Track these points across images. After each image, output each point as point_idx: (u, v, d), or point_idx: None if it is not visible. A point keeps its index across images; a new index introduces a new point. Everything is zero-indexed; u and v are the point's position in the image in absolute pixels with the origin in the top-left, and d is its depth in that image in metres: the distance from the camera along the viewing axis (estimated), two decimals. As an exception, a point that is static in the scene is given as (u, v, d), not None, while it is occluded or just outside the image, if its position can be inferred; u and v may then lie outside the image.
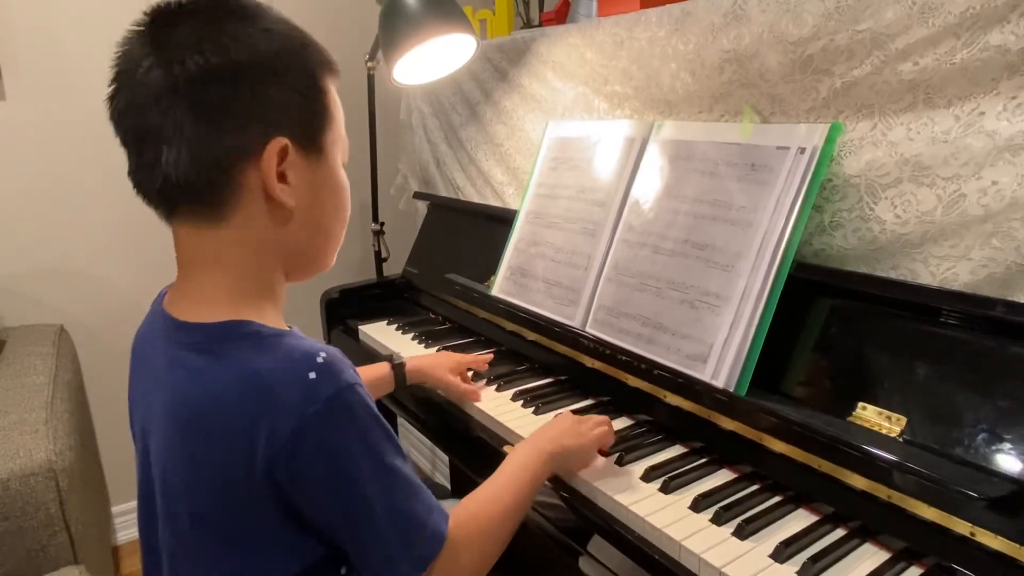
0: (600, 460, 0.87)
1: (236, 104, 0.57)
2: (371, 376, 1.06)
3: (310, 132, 0.62)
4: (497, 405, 1.04)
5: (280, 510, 0.57)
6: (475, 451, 1.02)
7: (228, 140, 0.57)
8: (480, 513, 0.70)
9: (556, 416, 0.90)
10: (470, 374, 1.12)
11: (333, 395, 0.56)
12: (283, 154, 0.59)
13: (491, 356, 1.16)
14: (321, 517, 0.58)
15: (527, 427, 0.97)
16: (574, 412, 1.00)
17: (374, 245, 1.73)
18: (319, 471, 0.56)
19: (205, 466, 0.57)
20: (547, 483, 0.84)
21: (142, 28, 0.58)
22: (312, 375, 0.56)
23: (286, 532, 0.58)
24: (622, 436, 0.94)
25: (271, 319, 0.63)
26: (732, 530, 0.73)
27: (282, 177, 0.60)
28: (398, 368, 1.08)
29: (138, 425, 0.67)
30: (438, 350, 1.26)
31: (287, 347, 0.58)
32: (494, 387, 1.10)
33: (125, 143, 0.59)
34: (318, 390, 0.55)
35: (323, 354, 0.57)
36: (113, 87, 0.58)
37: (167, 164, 0.57)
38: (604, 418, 0.90)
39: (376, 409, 0.60)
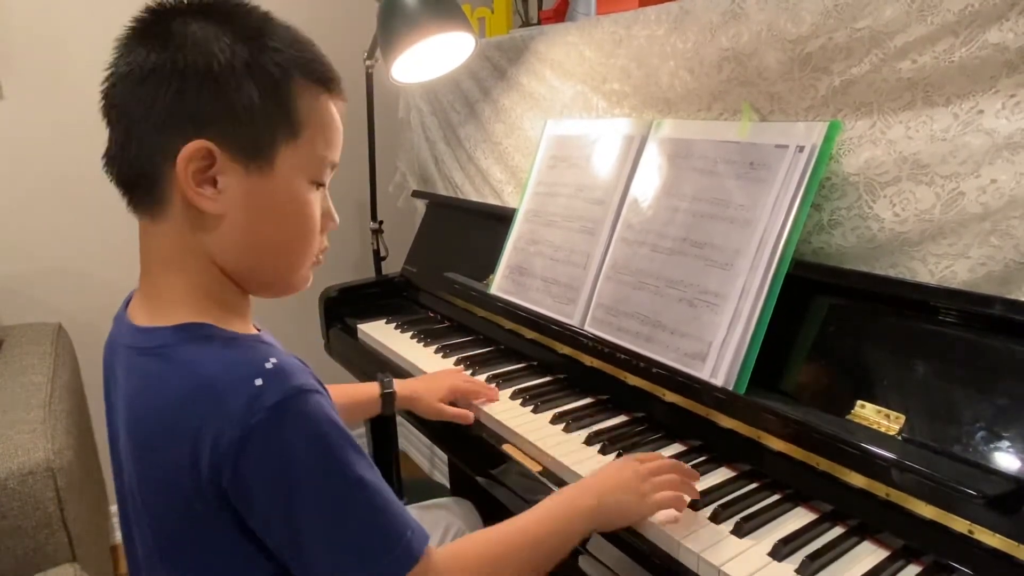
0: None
1: (164, 98, 0.56)
2: (357, 395, 1.04)
3: (254, 141, 0.58)
4: (496, 403, 1.04)
5: (231, 523, 0.55)
6: (474, 450, 1.02)
7: (153, 136, 0.57)
8: (482, 550, 0.65)
9: (618, 461, 0.81)
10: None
11: (280, 402, 0.53)
12: (208, 158, 0.57)
13: (496, 393, 1.06)
14: (266, 532, 0.55)
15: (526, 425, 0.97)
16: (574, 411, 1.00)
17: (372, 243, 1.73)
18: (263, 482, 0.53)
19: (156, 476, 0.56)
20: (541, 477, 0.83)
21: (142, 18, 0.59)
22: (258, 381, 0.53)
23: (243, 544, 0.56)
24: (619, 434, 0.94)
25: (235, 326, 0.61)
26: (731, 528, 0.73)
27: (211, 182, 0.58)
28: (387, 396, 1.04)
29: (112, 436, 0.66)
30: (436, 350, 1.26)
31: (237, 352, 0.57)
32: (493, 385, 1.10)
33: (107, 122, 0.60)
34: (263, 397, 0.53)
35: (273, 360, 0.55)
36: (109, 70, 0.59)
37: (116, 155, 0.59)
38: (672, 477, 0.76)
39: (336, 417, 0.57)
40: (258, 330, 0.67)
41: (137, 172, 0.58)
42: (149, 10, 0.59)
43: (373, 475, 0.57)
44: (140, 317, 0.61)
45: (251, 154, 0.58)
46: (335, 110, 0.63)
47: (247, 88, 0.57)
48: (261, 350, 0.57)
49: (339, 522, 0.54)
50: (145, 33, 0.58)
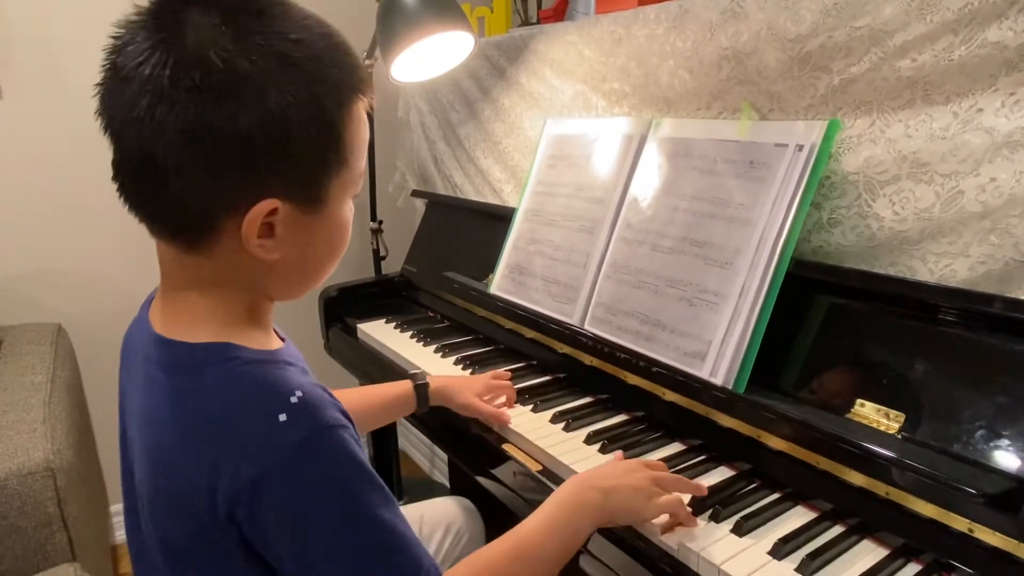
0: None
1: (223, 154, 0.50)
2: (390, 394, 1.01)
3: (314, 188, 0.56)
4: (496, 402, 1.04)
5: (242, 550, 0.54)
6: (474, 449, 1.02)
7: (216, 188, 0.52)
8: (495, 564, 0.64)
9: (628, 461, 0.79)
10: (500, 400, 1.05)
11: (304, 440, 0.51)
12: (272, 213, 0.54)
13: (514, 394, 1.05)
14: (279, 564, 0.54)
15: (525, 424, 0.97)
16: (573, 410, 1.00)
17: (372, 243, 1.73)
18: (281, 520, 0.52)
19: (169, 496, 0.55)
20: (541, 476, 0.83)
21: (144, 19, 0.51)
22: (283, 417, 0.51)
23: (253, 570, 0.55)
24: (619, 433, 0.94)
25: (258, 340, 0.59)
26: (731, 527, 0.73)
27: (268, 229, 0.55)
28: (421, 388, 1.01)
29: (123, 430, 0.66)
30: (436, 349, 1.26)
31: (261, 380, 0.55)
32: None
33: (109, 132, 0.53)
34: (288, 434, 0.51)
35: (299, 392, 0.53)
36: (106, 81, 0.52)
37: (142, 194, 0.54)
38: (676, 498, 0.74)
39: (360, 454, 0.55)
40: (282, 339, 0.65)
41: (180, 217, 0.54)
42: (160, 7, 0.51)
43: (390, 511, 0.55)
44: (161, 326, 0.59)
45: (310, 199, 0.56)
46: (364, 112, 0.59)
47: (306, 131, 0.53)
48: (287, 379, 0.55)
49: (353, 562, 0.53)
50: (173, 39, 0.49)
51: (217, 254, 0.56)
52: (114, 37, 0.52)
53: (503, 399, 1.03)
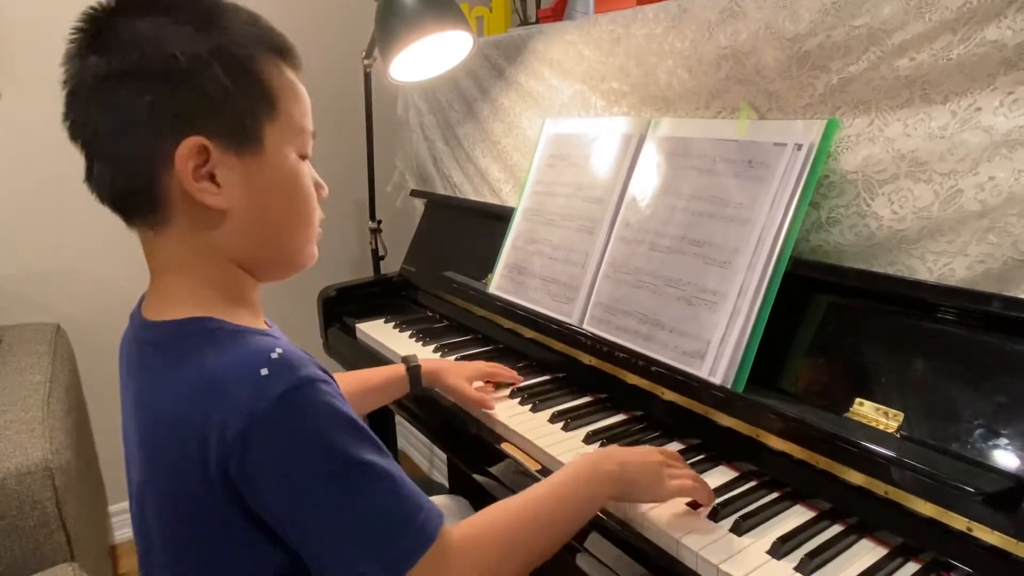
0: None
1: (140, 107, 0.55)
2: (384, 376, 1.04)
3: (241, 126, 0.58)
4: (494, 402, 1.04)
5: (241, 514, 0.55)
6: (473, 448, 1.02)
7: (139, 146, 0.56)
8: (496, 523, 0.63)
9: (645, 446, 0.82)
10: (496, 389, 1.07)
11: (285, 392, 0.53)
12: (204, 156, 0.56)
13: (517, 376, 1.09)
14: (276, 521, 0.55)
15: (524, 424, 0.97)
16: (572, 410, 1.00)
17: (371, 243, 1.73)
18: (271, 472, 0.53)
19: (164, 468, 0.56)
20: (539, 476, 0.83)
21: (83, 24, 0.57)
22: (264, 371, 0.53)
23: (251, 537, 0.56)
24: (618, 433, 0.94)
25: (244, 319, 0.61)
26: (730, 526, 0.73)
27: (210, 178, 0.57)
28: (413, 370, 1.04)
29: (126, 428, 0.66)
30: (435, 349, 1.26)
31: (243, 343, 0.56)
32: (492, 384, 1.10)
33: (80, 144, 0.59)
34: (269, 387, 0.52)
35: (279, 350, 0.55)
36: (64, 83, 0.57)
37: (98, 175, 0.58)
38: (694, 473, 0.77)
39: (343, 406, 0.56)
40: (268, 326, 0.67)
41: (130, 187, 0.58)
42: (90, 17, 0.57)
43: (381, 458, 0.56)
44: (150, 311, 0.62)
45: (241, 140, 0.58)
46: (295, 77, 0.63)
47: (219, 76, 0.56)
48: (266, 341, 0.56)
49: (348, 509, 0.53)
50: (95, 41, 0.56)
51: (172, 224, 0.59)
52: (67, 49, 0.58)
53: (503, 392, 1.05)
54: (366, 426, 0.57)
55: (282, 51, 0.61)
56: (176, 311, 0.59)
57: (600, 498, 0.72)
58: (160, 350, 0.59)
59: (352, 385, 0.99)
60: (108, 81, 0.55)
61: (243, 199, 0.59)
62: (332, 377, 0.58)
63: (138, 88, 0.54)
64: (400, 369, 1.04)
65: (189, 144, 0.55)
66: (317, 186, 0.66)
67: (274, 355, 0.54)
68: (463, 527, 0.61)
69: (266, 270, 0.65)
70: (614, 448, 0.77)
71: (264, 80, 0.59)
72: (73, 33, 0.57)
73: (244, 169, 0.58)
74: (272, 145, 0.60)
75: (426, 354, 1.25)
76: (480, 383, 1.06)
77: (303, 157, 0.64)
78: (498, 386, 1.08)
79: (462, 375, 1.04)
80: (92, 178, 0.59)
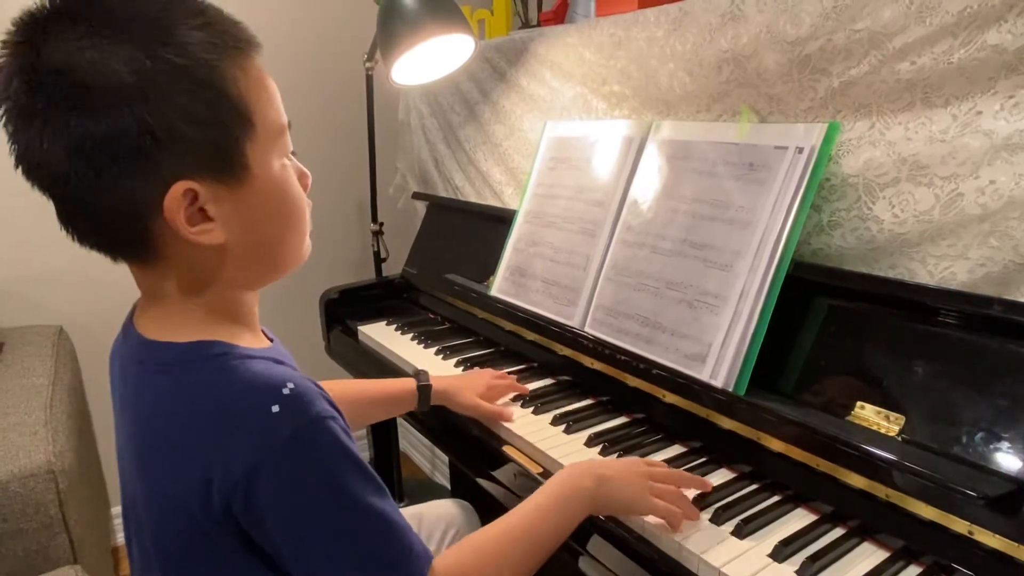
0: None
1: (105, 153, 0.50)
2: (394, 390, 1.01)
3: (223, 156, 0.54)
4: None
5: (239, 540, 0.55)
6: (474, 451, 1.02)
7: (112, 197, 0.52)
8: (483, 553, 0.65)
9: (630, 457, 0.81)
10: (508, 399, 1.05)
11: (296, 431, 0.52)
12: (191, 197, 0.53)
13: (525, 388, 1.07)
14: (277, 553, 0.55)
15: (526, 427, 0.97)
16: (574, 413, 1.00)
17: (373, 245, 1.73)
18: (276, 508, 0.52)
19: (163, 492, 0.55)
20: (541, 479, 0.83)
21: (8, 47, 0.51)
22: (275, 408, 0.52)
23: (247, 561, 0.56)
24: (619, 436, 0.94)
25: (244, 339, 0.60)
26: (731, 529, 0.73)
27: (202, 215, 0.54)
28: (424, 389, 1.01)
29: (118, 444, 0.66)
30: (437, 351, 1.26)
31: (252, 374, 0.55)
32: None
33: (40, 189, 0.54)
34: (281, 424, 0.52)
35: (290, 384, 0.53)
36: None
37: (74, 222, 0.54)
38: (677, 490, 0.75)
39: (350, 444, 0.56)
40: (270, 339, 0.66)
41: (116, 235, 0.55)
42: (19, 43, 0.50)
43: (381, 499, 0.56)
44: (149, 329, 0.60)
45: (225, 169, 0.55)
46: (259, 65, 0.57)
47: (188, 106, 0.51)
48: (277, 372, 0.55)
49: (348, 549, 0.54)
50: (32, 67, 0.49)
51: (170, 262, 0.57)
52: None
53: (508, 397, 1.04)
54: (368, 465, 0.57)
55: (242, 47, 0.55)
56: (179, 334, 0.58)
57: (576, 517, 0.72)
58: (165, 374, 0.57)
59: (353, 395, 0.97)
60: (48, 124, 0.49)
61: (238, 226, 0.57)
62: (340, 411, 0.57)
63: (90, 130, 0.49)
64: (410, 385, 1.01)
65: (176, 191, 0.52)
66: (302, 176, 0.63)
67: (286, 390, 0.53)
68: (448, 560, 0.61)
69: (265, 280, 0.63)
70: (596, 462, 0.77)
71: (233, 95, 0.54)
72: (6, 43, 0.51)
73: (233, 197, 0.56)
74: (256, 163, 0.56)
75: (427, 356, 1.25)
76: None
77: (286, 157, 0.61)
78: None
79: (475, 391, 1.01)
80: (66, 222, 0.55)
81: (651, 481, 0.75)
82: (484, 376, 1.06)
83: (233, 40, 0.55)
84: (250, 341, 0.61)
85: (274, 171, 0.58)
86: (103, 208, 0.53)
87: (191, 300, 0.59)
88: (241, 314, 0.62)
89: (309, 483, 0.53)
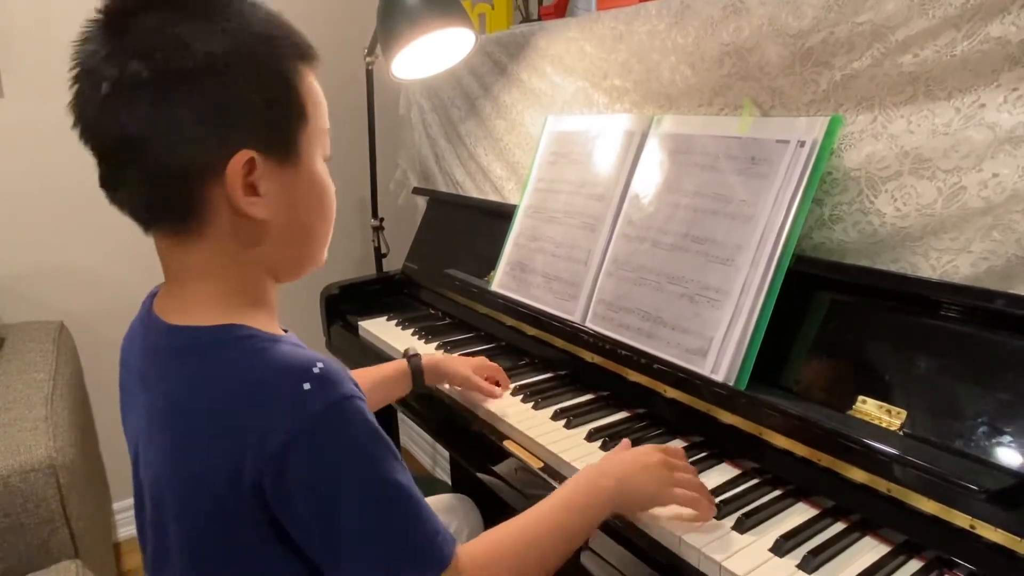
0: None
1: (187, 116, 0.53)
2: (386, 373, 1.03)
3: (281, 137, 0.58)
4: (497, 400, 1.04)
5: (265, 521, 0.55)
6: (475, 446, 1.02)
7: (184, 157, 0.54)
8: (502, 547, 0.64)
9: (645, 446, 0.79)
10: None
11: (328, 407, 0.53)
12: (250, 167, 0.56)
13: (509, 384, 1.07)
14: (302, 533, 0.55)
15: (527, 421, 0.97)
16: (575, 408, 1.00)
17: (373, 241, 1.73)
18: (308, 485, 0.53)
19: (193, 474, 0.55)
20: (542, 473, 0.83)
21: (100, 21, 0.55)
22: (307, 386, 0.53)
23: (271, 543, 0.56)
24: (620, 431, 0.94)
25: (265, 324, 0.60)
26: (732, 524, 0.73)
27: (252, 189, 0.57)
28: (414, 361, 1.04)
29: (131, 432, 0.66)
30: (437, 346, 1.26)
31: (282, 354, 0.56)
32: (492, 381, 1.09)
33: (92, 149, 0.56)
34: (313, 401, 0.53)
35: (320, 364, 0.55)
36: (76, 88, 0.55)
37: (128, 183, 0.56)
38: (696, 480, 0.76)
39: (377, 424, 0.57)
40: (284, 331, 0.66)
41: (166, 198, 0.56)
42: (110, 13, 0.54)
43: (408, 480, 0.57)
44: (172, 315, 0.60)
45: (281, 150, 0.58)
46: (313, 77, 0.62)
47: (262, 85, 0.56)
48: (307, 354, 0.56)
49: (378, 527, 0.55)
50: (118, 40, 0.53)
51: (209, 234, 0.58)
52: (80, 42, 0.55)
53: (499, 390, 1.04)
54: (395, 447, 0.57)
55: (309, 56, 0.61)
56: (204, 317, 0.58)
57: (599, 515, 0.72)
58: (191, 355, 0.58)
59: (359, 380, 0.98)
60: (139, 88, 0.52)
61: (282, 208, 0.59)
62: (363, 392, 0.58)
63: (180, 95, 0.53)
64: (402, 364, 1.04)
65: (240, 159, 0.55)
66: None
67: (316, 369, 0.54)
68: (472, 550, 0.61)
69: (291, 272, 0.65)
70: (613, 461, 0.76)
71: (295, 87, 0.58)
72: (91, 28, 0.55)
73: (283, 178, 0.59)
74: (305, 153, 0.60)
75: (428, 351, 1.25)
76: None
77: (326, 158, 0.64)
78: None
79: (468, 364, 1.04)
80: (113, 186, 0.57)
81: (669, 471, 0.74)
82: (475, 359, 1.08)
83: (299, 48, 0.60)
84: (268, 326, 0.61)
85: (317, 164, 0.62)
86: (167, 167, 0.54)
87: (218, 280, 0.60)
88: (263, 301, 0.63)
89: (340, 459, 0.54)
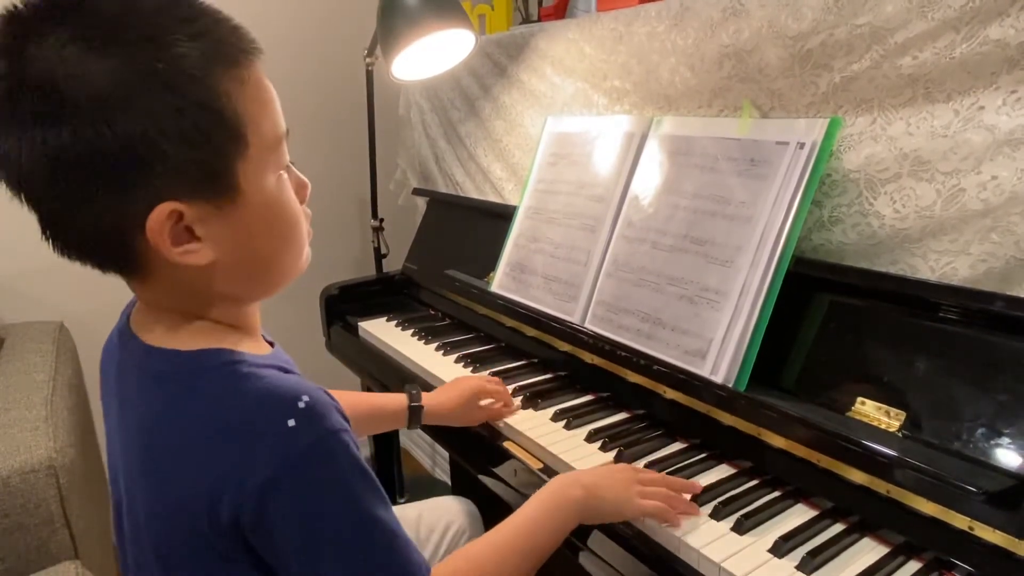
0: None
1: (81, 178, 0.48)
2: (384, 406, 1.00)
3: (210, 175, 0.51)
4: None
5: (244, 553, 0.54)
6: (475, 447, 1.02)
7: (101, 217, 0.50)
8: (480, 561, 0.65)
9: (617, 464, 0.82)
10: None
11: (313, 444, 0.51)
12: (176, 217, 0.51)
13: (517, 407, 1.03)
14: (281, 566, 0.54)
15: (526, 422, 0.97)
16: (574, 409, 1.00)
17: (373, 241, 1.73)
18: (290, 522, 0.52)
19: (168, 503, 0.54)
20: (541, 474, 0.83)
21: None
22: (291, 422, 0.51)
23: (249, 573, 0.55)
24: (619, 432, 0.94)
25: (248, 345, 0.59)
26: (731, 525, 0.73)
27: (189, 233, 0.52)
28: (415, 410, 0.99)
29: (110, 444, 0.64)
30: (437, 347, 1.26)
31: (265, 385, 0.54)
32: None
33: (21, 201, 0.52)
34: (297, 439, 0.51)
35: (305, 397, 0.52)
36: None
37: (53, 233, 0.53)
38: (664, 491, 0.76)
39: (360, 456, 0.55)
40: (270, 344, 0.65)
41: (100, 254, 0.54)
42: (9, 20, 0.48)
43: (387, 511, 0.56)
44: (149, 335, 0.58)
45: (214, 189, 0.52)
46: (259, 74, 0.54)
47: (175, 123, 0.48)
48: (291, 384, 0.54)
49: (358, 561, 0.54)
50: (11, 87, 0.47)
51: (158, 276, 0.55)
52: None
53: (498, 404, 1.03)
54: (375, 476, 0.56)
55: (238, 57, 0.52)
56: (182, 341, 0.56)
57: (567, 525, 0.72)
58: (170, 381, 0.56)
59: (355, 407, 0.95)
60: (55, 150, 0.47)
61: (228, 245, 0.54)
62: (347, 418, 0.57)
63: (80, 143, 0.47)
64: (402, 403, 1.00)
65: (159, 213, 0.50)
66: (300, 187, 0.61)
67: (301, 404, 0.52)
68: (443, 570, 0.62)
69: (260, 294, 0.62)
70: (584, 472, 0.78)
71: (227, 111, 0.51)
72: None
73: (223, 217, 0.53)
74: (248, 182, 0.54)
75: (428, 352, 1.25)
76: (486, 401, 1.02)
77: (283, 169, 0.58)
78: None
79: (469, 406, 1.00)
80: (49, 236, 0.54)
81: (638, 484, 0.76)
82: (470, 380, 1.04)
83: (229, 50, 0.52)
84: (252, 348, 0.59)
85: (268, 188, 0.56)
86: (84, 225, 0.51)
87: (186, 311, 0.58)
88: (240, 323, 0.61)
89: (324, 497, 0.52)
